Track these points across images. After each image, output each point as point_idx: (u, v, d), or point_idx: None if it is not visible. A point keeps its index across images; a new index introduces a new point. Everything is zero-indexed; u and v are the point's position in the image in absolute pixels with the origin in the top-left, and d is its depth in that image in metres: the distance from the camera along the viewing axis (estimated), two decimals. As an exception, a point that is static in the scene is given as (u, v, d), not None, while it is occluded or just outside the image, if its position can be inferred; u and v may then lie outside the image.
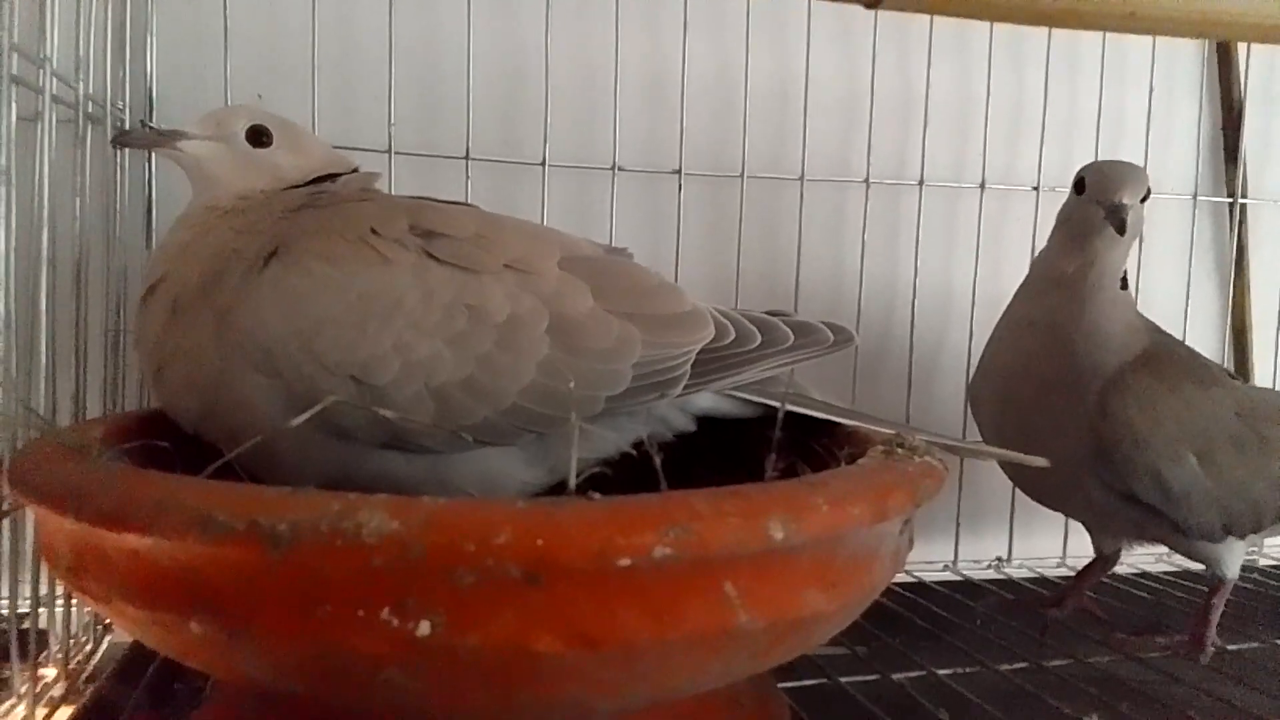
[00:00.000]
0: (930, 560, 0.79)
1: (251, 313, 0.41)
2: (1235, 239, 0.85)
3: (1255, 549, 0.87)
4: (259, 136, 0.48)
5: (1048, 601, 0.68)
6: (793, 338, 0.51)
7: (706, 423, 0.51)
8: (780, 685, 0.52)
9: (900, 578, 0.75)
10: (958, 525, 0.79)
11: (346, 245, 0.43)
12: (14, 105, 0.45)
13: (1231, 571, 0.61)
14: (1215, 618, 0.61)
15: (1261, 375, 0.87)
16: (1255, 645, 0.63)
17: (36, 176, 0.48)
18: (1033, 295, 0.61)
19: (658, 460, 0.36)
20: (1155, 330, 0.61)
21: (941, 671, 0.56)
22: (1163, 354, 0.59)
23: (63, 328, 0.50)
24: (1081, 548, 0.73)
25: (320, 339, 0.41)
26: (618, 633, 0.30)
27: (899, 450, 0.42)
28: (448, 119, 0.67)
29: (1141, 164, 0.79)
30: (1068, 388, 0.58)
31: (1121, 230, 0.55)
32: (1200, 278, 0.86)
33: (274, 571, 0.29)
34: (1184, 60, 0.84)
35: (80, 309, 0.53)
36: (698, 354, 0.48)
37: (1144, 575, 0.79)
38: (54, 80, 0.49)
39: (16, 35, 0.45)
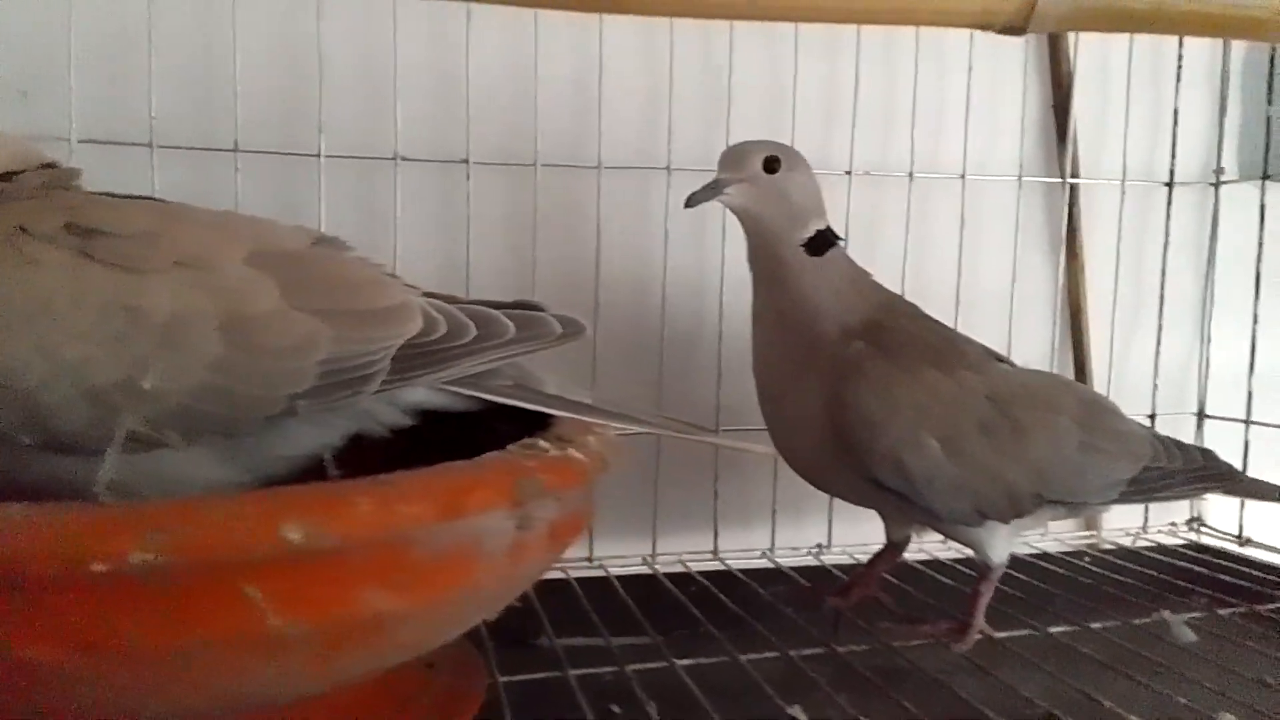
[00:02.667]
0: (748, 548, 0.78)
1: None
2: (1067, 219, 0.84)
3: (1094, 532, 0.86)
4: (-67, 142, 0.47)
5: (834, 590, 0.67)
6: (513, 330, 0.51)
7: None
8: (506, 678, 0.52)
9: (711, 566, 0.76)
10: (774, 513, 0.78)
11: (-7, 247, 0.42)
12: None
13: (998, 557, 0.61)
14: (982, 605, 0.61)
15: (1098, 355, 0.86)
16: (1025, 633, 0.62)
17: None
18: (754, 289, 0.61)
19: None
20: (879, 296, 0.61)
21: (682, 662, 0.55)
22: (894, 326, 0.58)
23: None
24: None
25: (-42, 342, 0.41)
26: (119, 639, 0.30)
27: (546, 444, 0.42)
28: (218, 112, 0.66)
29: (962, 147, 0.79)
30: (797, 372, 0.57)
31: (686, 204, 0.59)
32: (1036, 259, 0.85)
33: None
34: (1011, 39, 0.83)
35: None
36: (400, 349, 0.47)
37: (966, 561, 0.78)
38: None
39: None
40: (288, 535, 0.30)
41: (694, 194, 0.58)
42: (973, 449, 0.57)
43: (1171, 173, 0.86)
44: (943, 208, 0.81)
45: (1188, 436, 0.88)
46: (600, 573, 0.73)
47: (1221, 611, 0.66)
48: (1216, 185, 0.87)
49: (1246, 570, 0.76)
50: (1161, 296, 0.86)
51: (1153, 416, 0.87)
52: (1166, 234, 0.86)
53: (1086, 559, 0.81)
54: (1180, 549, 0.84)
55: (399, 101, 0.68)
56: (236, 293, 0.45)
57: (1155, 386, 0.86)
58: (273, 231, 0.49)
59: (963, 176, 0.80)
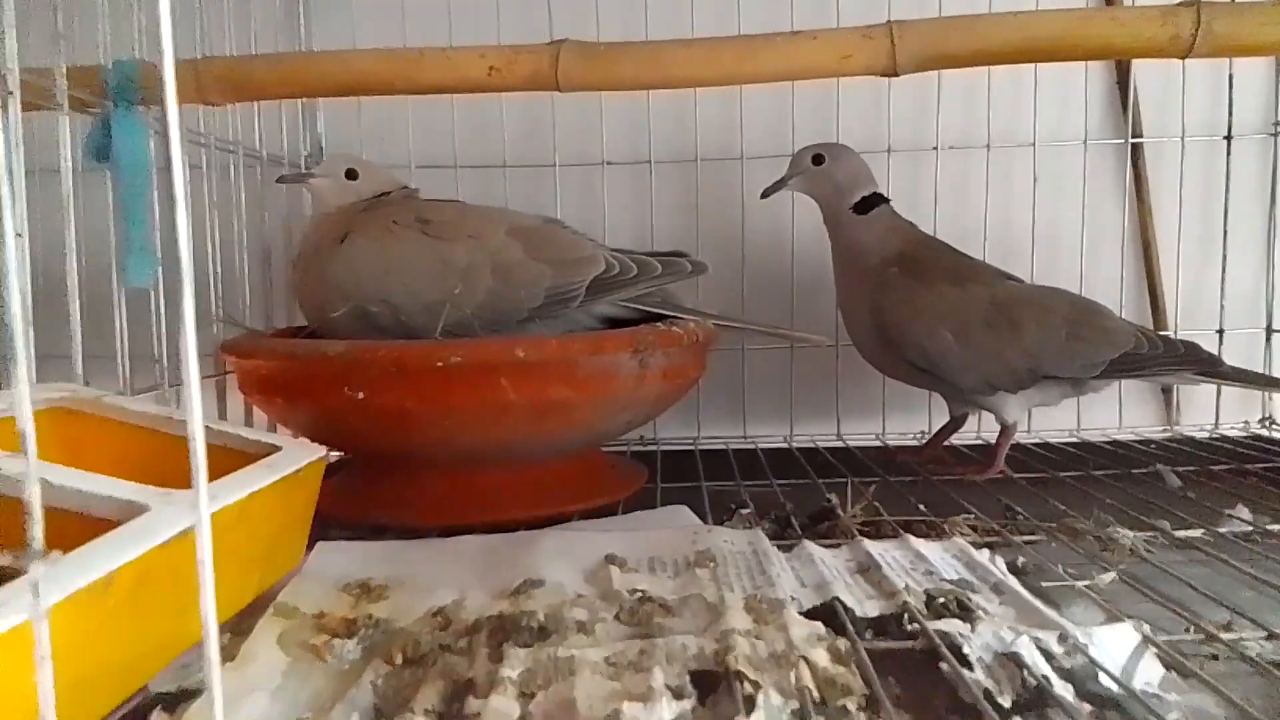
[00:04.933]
0: (863, 432, 1.05)
1: (333, 267, 0.79)
2: (1133, 173, 1.03)
3: (1167, 427, 1.04)
4: (351, 173, 0.86)
5: (908, 453, 0.94)
6: (660, 270, 0.83)
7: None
8: (664, 485, 0.84)
9: (832, 443, 1.04)
10: (884, 406, 1.05)
11: (379, 230, 0.80)
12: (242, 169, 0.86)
13: (1011, 417, 0.85)
14: (1002, 453, 0.85)
15: (1169, 284, 1.04)
16: (1037, 475, 0.85)
17: (235, 201, 0.89)
18: (829, 238, 0.89)
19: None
20: (914, 236, 0.86)
21: (779, 484, 0.85)
22: (921, 256, 0.84)
23: (256, 283, 0.92)
24: (988, 423, 0.97)
25: (366, 279, 0.78)
26: (445, 399, 0.65)
27: (662, 325, 0.74)
28: (491, 142, 1.03)
29: (1033, 117, 1.01)
30: (854, 292, 0.85)
31: (762, 195, 0.86)
32: (1109, 208, 1.04)
33: (302, 374, 0.67)
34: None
35: (268, 273, 0.95)
36: (591, 281, 0.80)
37: (1044, 445, 1.00)
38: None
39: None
40: (518, 353, 0.65)
41: (766, 188, 0.87)
42: (978, 338, 0.81)
43: (1229, 127, 1.02)
44: (1019, 171, 1.03)
45: (1259, 349, 1.04)
46: (750, 446, 1.03)
47: (1214, 468, 0.86)
48: (1275, 135, 1.02)
49: (1280, 450, 0.93)
50: (1225, 233, 1.03)
51: (1220, 331, 1.04)
52: (1227, 180, 1.02)
53: (1152, 445, 1.00)
54: (1239, 438, 1.00)
55: (603, 123, 1.02)
56: (499, 250, 0.80)
57: (1222, 307, 1.03)
58: (519, 216, 0.85)
59: (1033, 144, 1.02)
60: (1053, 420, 1.03)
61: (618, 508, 0.75)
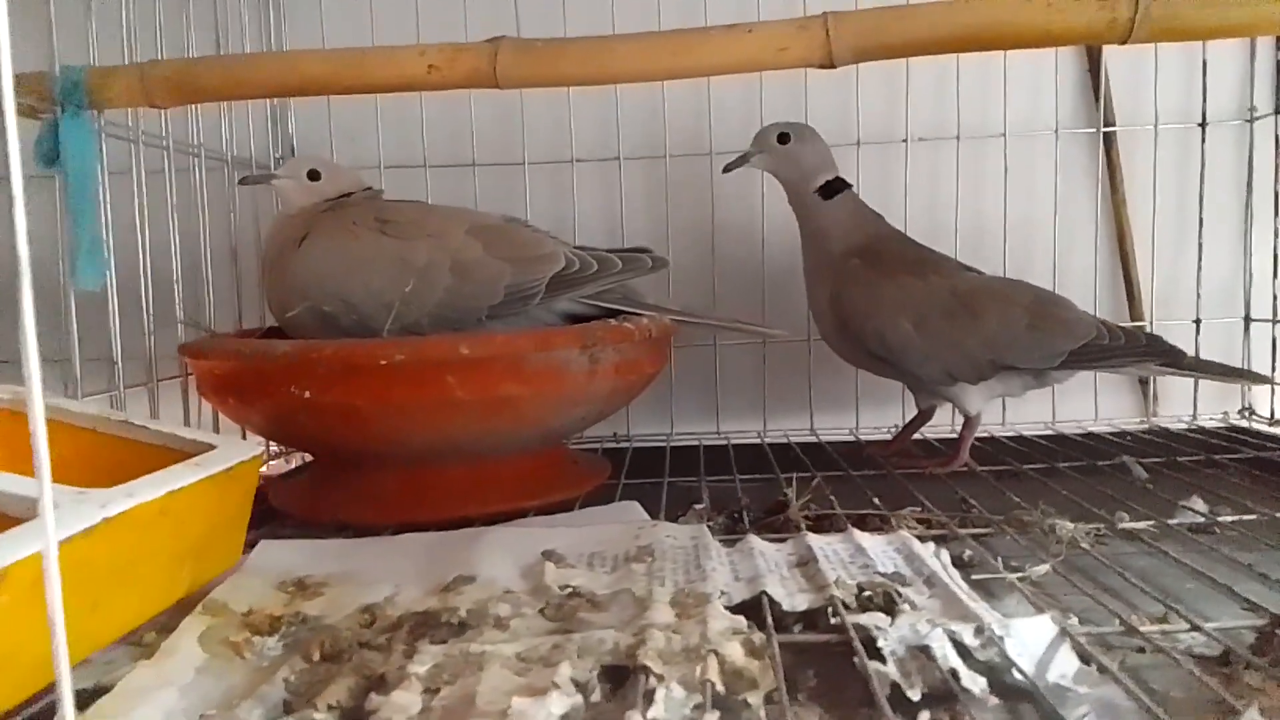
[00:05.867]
0: (837, 427, 1.05)
1: (294, 267, 0.80)
2: (1106, 162, 1.02)
3: (1144, 419, 1.03)
4: (314, 174, 0.87)
5: (875, 447, 0.93)
6: (620, 266, 0.83)
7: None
8: (625, 481, 0.84)
9: (805, 438, 1.03)
10: (857, 401, 1.04)
11: (338, 230, 0.81)
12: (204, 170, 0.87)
13: (973, 408, 0.84)
14: (966, 445, 0.85)
15: (1144, 273, 1.03)
16: (1003, 468, 0.84)
17: (200, 202, 0.90)
18: (798, 224, 0.88)
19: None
20: (877, 229, 0.86)
21: (743, 480, 0.85)
22: (883, 248, 0.83)
23: (222, 285, 0.93)
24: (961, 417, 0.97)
25: (325, 279, 0.79)
26: (393, 398, 0.65)
27: (614, 321, 0.74)
28: (462, 142, 1.04)
29: (1003, 107, 1.01)
30: (817, 279, 0.85)
31: (724, 170, 0.86)
32: (1082, 198, 1.04)
33: (251, 373, 0.68)
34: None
35: (236, 273, 0.96)
36: (551, 278, 0.81)
37: (1017, 437, 1.00)
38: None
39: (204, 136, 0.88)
40: (462, 350, 0.65)
41: (729, 163, 0.87)
42: (937, 328, 0.81)
43: (1204, 114, 1.01)
44: (991, 162, 1.03)
45: (1237, 339, 1.03)
46: (723, 442, 1.03)
47: (1181, 459, 0.85)
48: (1250, 121, 1.01)
49: (1254, 440, 0.92)
50: (1201, 222, 1.02)
51: (1198, 321, 1.02)
52: (1202, 167, 1.01)
53: (1127, 438, 0.99)
54: (1215, 430, 0.99)
55: (572, 121, 1.03)
56: (458, 249, 0.80)
57: (1199, 296, 1.02)
58: (480, 215, 0.85)
59: (1004, 135, 1.01)
60: (1028, 413, 1.03)
61: (575, 504, 0.75)
